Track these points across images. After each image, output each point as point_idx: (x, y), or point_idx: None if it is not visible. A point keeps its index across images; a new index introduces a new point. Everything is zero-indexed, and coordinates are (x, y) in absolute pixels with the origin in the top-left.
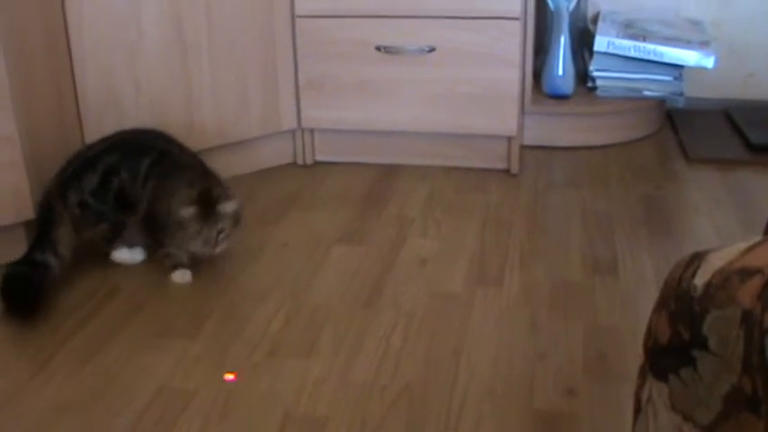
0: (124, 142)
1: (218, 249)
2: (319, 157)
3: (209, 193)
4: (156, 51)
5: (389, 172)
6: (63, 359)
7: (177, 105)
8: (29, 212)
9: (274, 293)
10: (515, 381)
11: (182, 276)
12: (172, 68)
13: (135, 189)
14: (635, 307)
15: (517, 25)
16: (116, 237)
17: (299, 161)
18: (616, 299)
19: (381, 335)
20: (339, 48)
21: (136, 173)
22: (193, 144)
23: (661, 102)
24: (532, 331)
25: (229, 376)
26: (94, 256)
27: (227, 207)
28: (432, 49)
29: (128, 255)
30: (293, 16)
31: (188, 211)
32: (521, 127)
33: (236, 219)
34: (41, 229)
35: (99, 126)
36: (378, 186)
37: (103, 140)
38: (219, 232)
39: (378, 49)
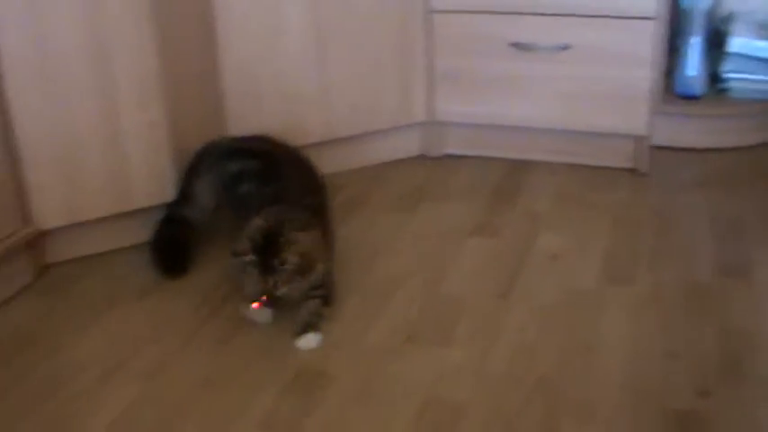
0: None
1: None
2: (449, 150)
3: (273, 237)
4: (296, 41)
5: (518, 167)
6: (207, 335)
7: (313, 94)
8: (170, 195)
9: (410, 281)
10: (649, 379)
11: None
12: (310, 59)
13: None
14: None
15: (652, 25)
16: None
17: (430, 153)
18: (749, 302)
19: (516, 327)
20: (474, 43)
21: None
22: (327, 133)
23: None
24: (665, 331)
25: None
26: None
27: (288, 260)
28: (566, 47)
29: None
30: (429, 10)
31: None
32: (651, 126)
33: (301, 270)
34: (185, 180)
35: (240, 112)
36: (507, 181)
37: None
38: (275, 283)
39: (512, 45)
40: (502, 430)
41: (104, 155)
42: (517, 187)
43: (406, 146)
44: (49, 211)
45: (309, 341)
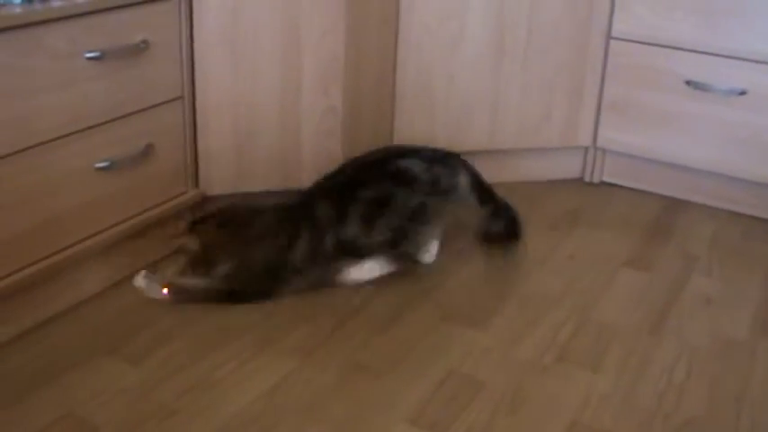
0: None
1: None
2: (606, 178)
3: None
4: (474, 50)
5: (674, 205)
6: (356, 326)
7: (484, 105)
8: None
9: (562, 302)
10: None
11: None
12: (485, 69)
13: None
14: None
15: None
16: None
17: (587, 178)
18: None
19: (665, 365)
20: (648, 75)
21: None
22: (492, 144)
23: None
24: None
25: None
26: None
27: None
28: (743, 92)
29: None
30: (609, 37)
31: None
32: None
33: (194, 263)
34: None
35: (409, 111)
36: (663, 217)
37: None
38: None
39: (687, 83)
40: None
41: (280, 132)
42: (673, 225)
43: (566, 168)
44: (218, 177)
45: None
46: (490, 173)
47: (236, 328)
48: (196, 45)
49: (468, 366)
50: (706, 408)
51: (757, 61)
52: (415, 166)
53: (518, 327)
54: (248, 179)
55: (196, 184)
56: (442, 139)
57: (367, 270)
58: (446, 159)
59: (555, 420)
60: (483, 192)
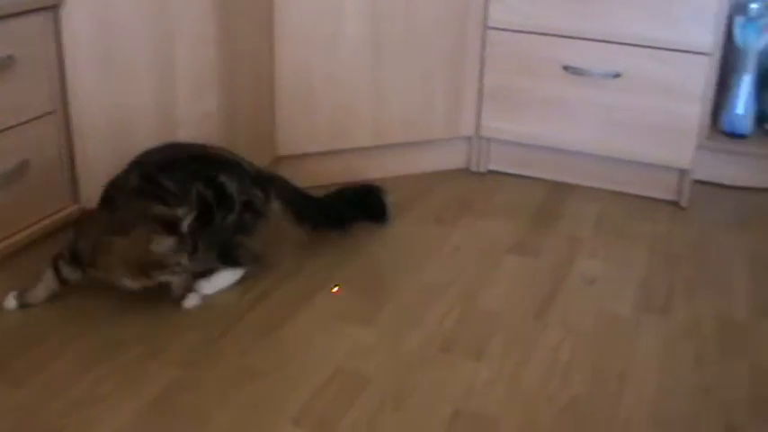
0: None
1: None
2: (492, 167)
3: None
4: (351, 46)
5: (560, 189)
6: (244, 329)
7: (365, 102)
8: None
9: (448, 292)
10: (679, 410)
11: (194, 299)
12: (364, 65)
13: None
14: None
15: (706, 60)
16: None
17: (473, 168)
18: None
19: (550, 347)
20: (526, 63)
21: None
22: (377, 139)
23: None
24: (697, 364)
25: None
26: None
27: None
28: (617, 75)
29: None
30: (485, 27)
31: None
32: (695, 161)
33: None
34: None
35: (290, 112)
36: (549, 202)
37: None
38: None
39: (565, 68)
40: None
41: (158, 140)
42: (558, 209)
43: (452, 159)
44: (97, 191)
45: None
46: (376, 168)
47: (121, 341)
48: (66, 58)
49: (354, 363)
50: (589, 386)
51: (630, 44)
52: (231, 183)
53: (404, 320)
54: None
55: (76, 198)
56: (325, 139)
57: (214, 284)
58: (261, 182)
59: (439, 410)
60: (299, 213)
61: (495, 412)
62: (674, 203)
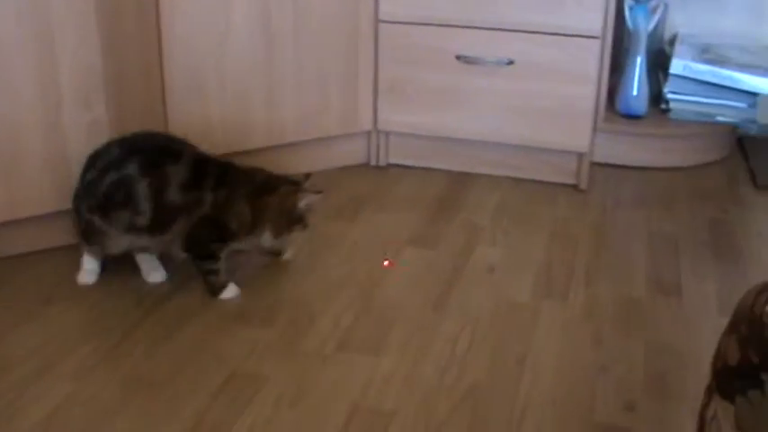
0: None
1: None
2: (393, 160)
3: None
4: (242, 42)
5: (460, 179)
6: (142, 335)
7: (259, 97)
8: None
9: (346, 289)
10: (577, 392)
11: (233, 290)
12: (257, 61)
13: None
14: (697, 329)
15: (596, 44)
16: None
17: (373, 162)
18: (678, 319)
19: (448, 337)
20: (420, 54)
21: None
22: (273, 139)
23: (733, 128)
24: (595, 345)
25: (385, 262)
26: None
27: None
28: (510, 62)
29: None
30: (377, 20)
31: (309, 200)
32: (592, 144)
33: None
34: None
35: (183, 114)
36: (449, 192)
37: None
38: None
39: (458, 58)
40: None
41: (46, 152)
42: (458, 199)
43: (351, 154)
44: None
45: (235, 290)
46: (275, 167)
47: (15, 356)
48: None
49: (250, 365)
50: (488, 374)
51: (521, 31)
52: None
53: (301, 319)
54: (21, 206)
55: None
56: (221, 141)
57: None
58: None
59: (337, 407)
60: None
61: (393, 406)
62: (574, 187)
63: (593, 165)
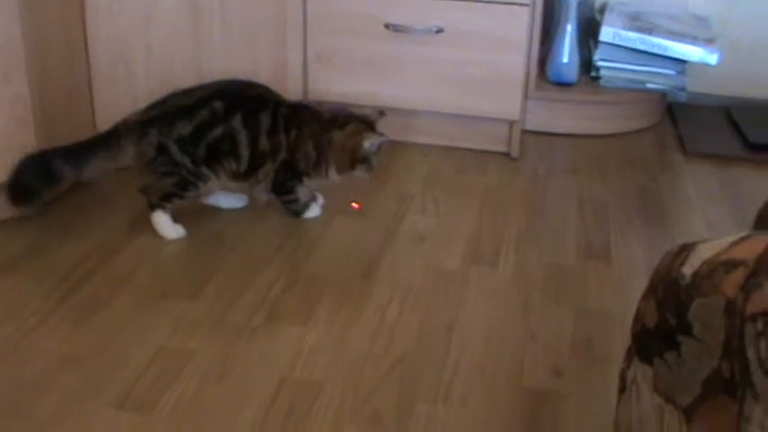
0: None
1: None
2: None
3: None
4: (168, 16)
5: (391, 148)
6: (67, 312)
7: (188, 72)
8: None
9: (275, 260)
10: (505, 358)
11: (317, 210)
12: (183, 34)
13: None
14: (625, 293)
15: (526, 11)
16: (183, 192)
17: None
18: (607, 285)
19: (377, 306)
20: (349, 23)
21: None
22: None
23: (663, 95)
24: (524, 312)
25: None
26: (99, 209)
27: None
28: (440, 30)
29: (230, 200)
30: None
31: (374, 141)
32: (523, 111)
33: None
34: (89, 144)
35: (109, 89)
36: (379, 162)
37: (202, 88)
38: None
39: (386, 26)
40: (356, 409)
41: None
42: (388, 168)
43: None
44: None
45: (317, 209)
46: None
47: None
48: None
49: (177, 339)
50: (417, 342)
51: None
52: None
53: (229, 292)
54: None
55: None
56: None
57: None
58: None
59: (264, 380)
60: None
61: (321, 377)
62: (506, 155)
63: (525, 132)
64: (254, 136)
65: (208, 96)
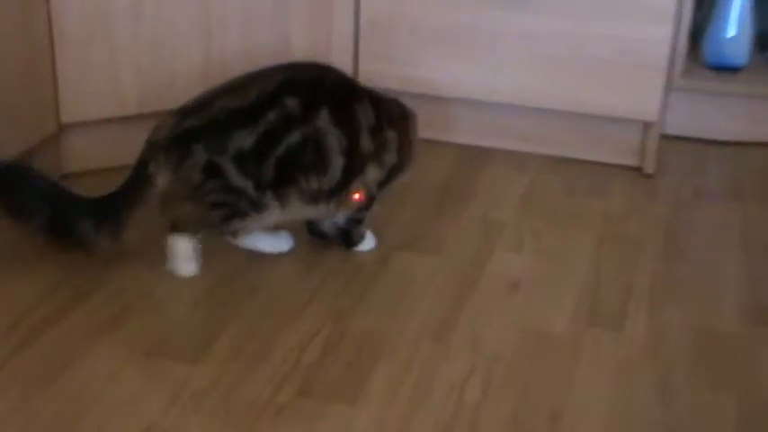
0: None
1: None
2: None
3: None
4: None
5: (476, 157)
6: (17, 373)
7: (191, 36)
8: None
9: (311, 309)
10: None
11: (371, 240)
12: None
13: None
14: None
15: None
16: (226, 225)
17: None
18: None
19: (453, 382)
20: None
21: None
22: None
23: None
24: (663, 399)
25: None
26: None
27: None
28: None
29: (273, 242)
30: None
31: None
32: (664, 109)
33: None
34: (120, 201)
35: (79, 67)
36: (458, 175)
37: (260, 79)
38: None
39: None
40: None
41: None
42: (471, 185)
43: None
44: None
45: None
46: None
47: None
48: None
49: (173, 417)
50: None
51: None
52: None
53: (246, 353)
54: None
55: None
56: (133, 104)
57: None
58: None
59: None
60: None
61: None
62: (637, 170)
63: (665, 139)
64: (353, 136)
65: (273, 91)
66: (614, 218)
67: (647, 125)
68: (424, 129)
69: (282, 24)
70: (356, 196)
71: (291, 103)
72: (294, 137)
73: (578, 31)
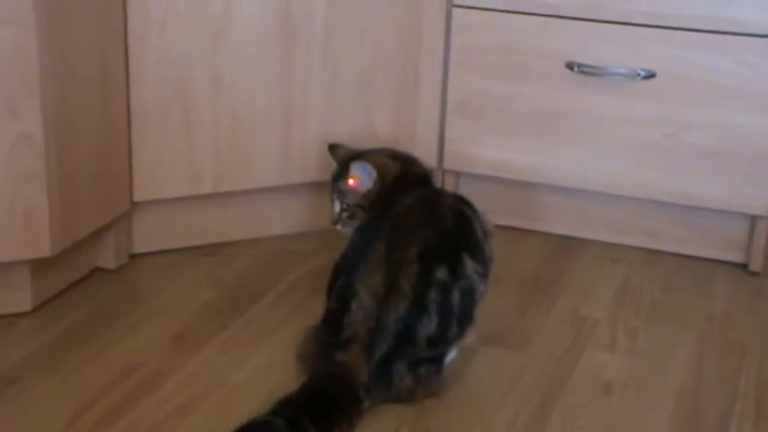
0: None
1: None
2: None
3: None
4: (247, 36)
5: (566, 247)
6: None
7: (271, 114)
8: (43, 247)
9: (392, 405)
10: None
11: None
12: (268, 62)
13: None
14: None
15: None
16: None
17: None
18: None
19: None
20: (511, 57)
21: None
22: (289, 176)
23: None
24: None
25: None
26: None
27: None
28: (650, 75)
29: None
30: (450, 4)
31: None
32: None
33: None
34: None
35: (155, 135)
36: (548, 267)
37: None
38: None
39: (569, 66)
40: None
41: None
42: (561, 278)
43: None
44: None
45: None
46: (284, 217)
47: None
48: None
49: None
50: None
51: (668, 27)
52: None
53: None
54: None
55: None
56: (210, 178)
57: None
58: None
59: None
60: None
61: None
62: (742, 267)
63: None
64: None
65: (421, 272)
66: (716, 318)
67: (754, 218)
68: (513, 216)
69: (365, 102)
70: (350, 182)
71: (441, 274)
72: (455, 297)
73: (678, 118)
